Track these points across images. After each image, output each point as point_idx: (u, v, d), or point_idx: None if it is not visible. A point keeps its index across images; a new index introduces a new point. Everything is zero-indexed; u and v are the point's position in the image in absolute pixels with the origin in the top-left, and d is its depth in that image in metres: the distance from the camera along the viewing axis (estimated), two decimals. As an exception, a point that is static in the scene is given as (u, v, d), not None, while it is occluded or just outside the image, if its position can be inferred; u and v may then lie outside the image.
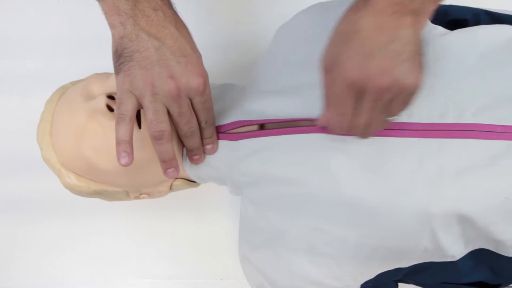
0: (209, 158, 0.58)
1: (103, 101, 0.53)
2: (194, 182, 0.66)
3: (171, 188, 0.64)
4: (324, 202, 0.51)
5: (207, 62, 0.53)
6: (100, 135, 0.54)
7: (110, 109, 0.54)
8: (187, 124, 0.52)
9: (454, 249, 0.52)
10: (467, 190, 0.49)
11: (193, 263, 0.79)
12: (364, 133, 0.48)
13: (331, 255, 0.52)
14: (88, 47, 0.85)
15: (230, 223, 0.75)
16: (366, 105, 0.43)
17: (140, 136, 0.53)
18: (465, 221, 0.50)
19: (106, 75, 0.60)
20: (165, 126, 0.50)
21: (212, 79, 0.56)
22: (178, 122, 0.52)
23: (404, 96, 0.43)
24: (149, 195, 0.65)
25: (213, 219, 0.78)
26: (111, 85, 0.56)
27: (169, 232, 0.80)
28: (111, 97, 0.54)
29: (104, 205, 0.76)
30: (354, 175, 0.51)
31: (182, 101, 0.50)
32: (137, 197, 0.65)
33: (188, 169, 0.59)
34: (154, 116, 0.49)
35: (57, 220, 0.82)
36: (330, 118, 0.47)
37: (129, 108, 0.49)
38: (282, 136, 0.54)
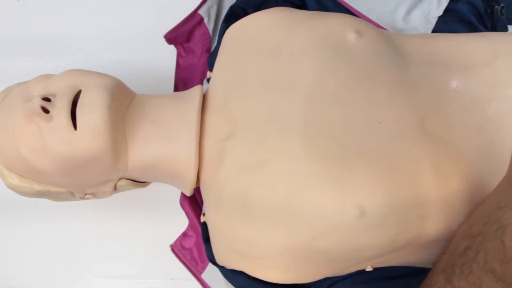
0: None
1: (37, 103, 0.53)
2: (140, 182, 0.67)
3: (115, 189, 0.64)
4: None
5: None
6: (37, 137, 0.54)
7: (46, 110, 0.54)
8: None
9: None
10: None
11: (144, 263, 0.79)
12: None
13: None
14: (37, 48, 0.85)
15: (181, 223, 0.76)
16: None
17: (75, 138, 0.53)
18: None
19: (47, 76, 0.60)
20: None
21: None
22: None
23: None
24: (94, 195, 0.65)
25: (164, 219, 0.79)
26: (49, 87, 0.57)
27: (120, 231, 0.80)
28: (47, 99, 0.55)
29: (53, 205, 0.77)
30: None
31: None
32: (82, 198, 0.65)
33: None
34: None
35: (4, 221, 0.81)
36: None
37: None
38: None
